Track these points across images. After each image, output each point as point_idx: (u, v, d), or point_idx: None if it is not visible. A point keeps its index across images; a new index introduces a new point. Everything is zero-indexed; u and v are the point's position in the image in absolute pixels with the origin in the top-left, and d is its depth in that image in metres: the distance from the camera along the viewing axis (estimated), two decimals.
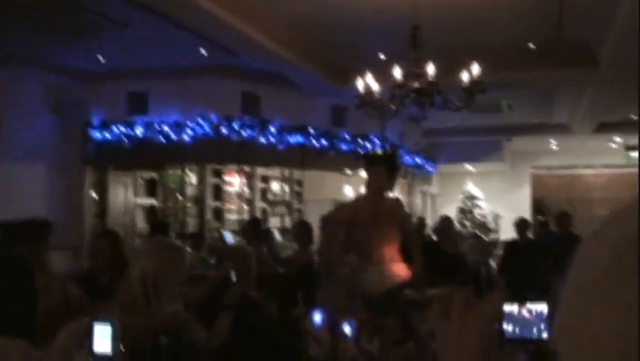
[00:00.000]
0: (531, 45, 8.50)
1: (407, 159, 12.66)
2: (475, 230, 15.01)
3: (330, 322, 3.29)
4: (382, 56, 7.88)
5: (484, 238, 14.59)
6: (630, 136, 14.44)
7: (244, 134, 9.51)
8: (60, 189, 9.51)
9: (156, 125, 9.60)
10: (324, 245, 5.09)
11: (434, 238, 7.56)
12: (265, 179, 10.59)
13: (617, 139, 14.94)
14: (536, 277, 6.47)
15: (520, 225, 8.19)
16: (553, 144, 15.83)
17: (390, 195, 4.97)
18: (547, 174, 17.61)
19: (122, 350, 1.67)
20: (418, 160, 13.74)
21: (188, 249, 7.44)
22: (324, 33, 8.06)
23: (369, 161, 4.99)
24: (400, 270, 4.59)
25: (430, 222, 12.93)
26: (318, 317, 3.30)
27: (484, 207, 15.86)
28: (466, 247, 10.14)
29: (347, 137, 10.84)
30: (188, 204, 9.86)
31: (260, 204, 10.43)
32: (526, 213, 13.58)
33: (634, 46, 6.53)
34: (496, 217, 15.40)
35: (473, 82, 6.13)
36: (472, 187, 16.25)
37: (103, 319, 1.68)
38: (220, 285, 3.35)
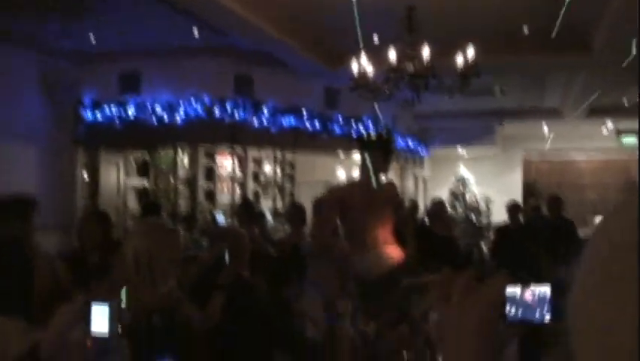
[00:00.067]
0: (525, 29, 8.47)
1: (400, 142, 12.66)
2: (467, 213, 15.08)
3: (326, 303, 3.31)
4: (376, 39, 7.84)
5: (476, 221, 14.68)
6: (622, 121, 14.51)
7: (237, 115, 9.46)
8: (51, 169, 9.47)
9: (148, 106, 9.51)
10: (317, 228, 5.08)
11: (426, 221, 7.59)
12: (257, 161, 10.57)
13: (609, 124, 14.98)
14: (528, 261, 6.51)
15: (512, 209, 8.24)
16: (545, 129, 15.87)
17: (384, 178, 4.97)
18: (538, 159, 17.68)
19: (120, 331, 1.67)
20: (411, 143, 13.73)
21: (181, 230, 7.43)
22: (319, 14, 7.99)
23: (364, 144, 4.95)
24: (394, 252, 4.61)
25: (422, 205, 12.97)
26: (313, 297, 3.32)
27: (476, 191, 15.90)
28: (458, 230, 10.18)
29: (340, 119, 10.82)
30: (180, 186, 9.83)
31: (252, 186, 10.41)
32: (518, 197, 13.64)
33: (629, 30, 6.52)
34: (488, 201, 15.44)
35: (468, 66, 6.12)
36: (464, 171, 16.28)
37: (101, 300, 1.68)
38: (214, 266, 3.36)
